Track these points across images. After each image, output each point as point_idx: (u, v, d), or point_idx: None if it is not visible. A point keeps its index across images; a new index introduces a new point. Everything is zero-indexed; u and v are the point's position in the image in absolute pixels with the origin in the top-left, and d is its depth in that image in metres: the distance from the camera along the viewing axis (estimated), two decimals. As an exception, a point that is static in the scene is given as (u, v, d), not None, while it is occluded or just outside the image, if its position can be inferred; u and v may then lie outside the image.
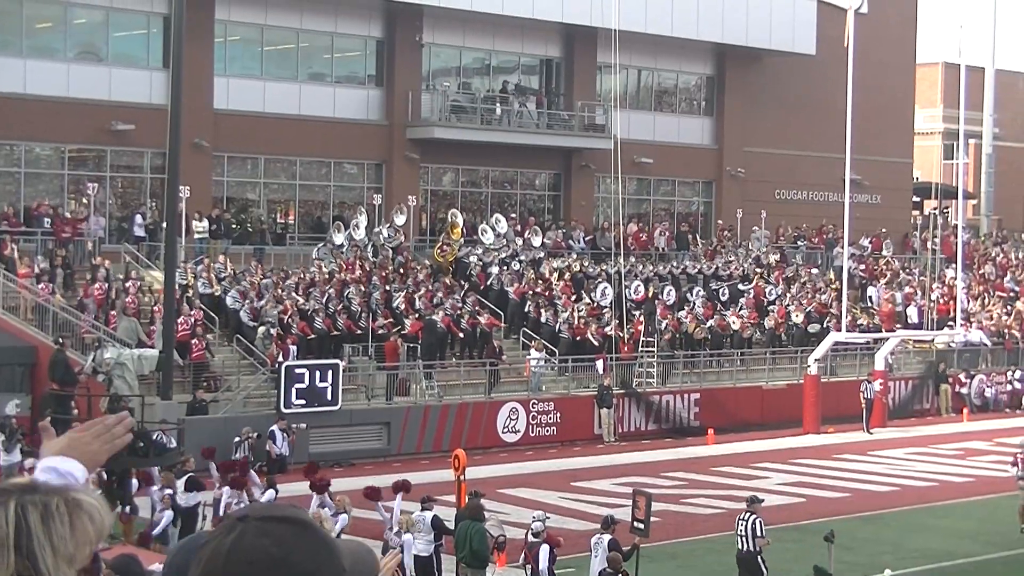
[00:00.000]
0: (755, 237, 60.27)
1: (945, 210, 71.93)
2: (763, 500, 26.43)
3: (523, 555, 23.93)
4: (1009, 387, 54.75)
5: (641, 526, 24.04)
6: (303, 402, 39.11)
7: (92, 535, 2.77)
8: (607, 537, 23.33)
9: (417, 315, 44.55)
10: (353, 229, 48.57)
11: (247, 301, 42.32)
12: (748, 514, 24.64)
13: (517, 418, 43.51)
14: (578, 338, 46.99)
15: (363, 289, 44.99)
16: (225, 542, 2.69)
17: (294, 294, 43.47)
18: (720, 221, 61.37)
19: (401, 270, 47.74)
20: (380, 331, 43.37)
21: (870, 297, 58.65)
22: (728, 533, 30.54)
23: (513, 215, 54.89)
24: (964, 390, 53.94)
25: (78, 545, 2.74)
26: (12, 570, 2.67)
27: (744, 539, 24.36)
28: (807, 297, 55.19)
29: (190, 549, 3.25)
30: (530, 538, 23.82)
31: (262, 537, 2.68)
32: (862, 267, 60.07)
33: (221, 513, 26.74)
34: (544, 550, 23.27)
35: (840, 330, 50.04)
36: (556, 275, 50.51)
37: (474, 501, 24.76)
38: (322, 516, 23.38)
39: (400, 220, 49.94)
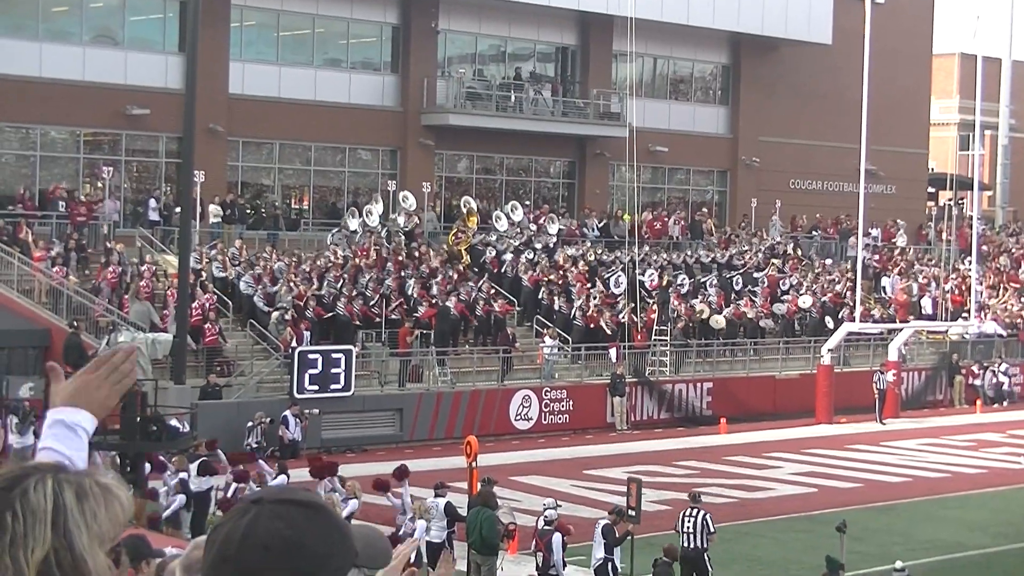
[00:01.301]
0: (773, 226, 60.25)
1: (960, 201, 71.75)
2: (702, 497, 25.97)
3: (534, 542, 23.97)
4: (993, 379, 54.19)
5: (632, 513, 24.04)
6: (316, 387, 39.16)
7: (121, 517, 2.78)
8: (603, 522, 23.40)
9: (431, 301, 44.57)
10: (366, 216, 48.55)
11: (261, 286, 42.37)
12: (695, 510, 24.09)
13: (530, 406, 43.52)
14: (591, 326, 46.97)
15: (377, 275, 45.00)
16: (239, 525, 2.70)
17: (307, 278, 43.46)
18: (711, 213, 61.29)
19: (416, 253, 47.73)
20: (392, 316, 43.42)
21: (884, 288, 58.59)
22: (739, 523, 30.66)
23: (527, 202, 54.90)
24: (977, 381, 53.83)
25: (110, 525, 2.74)
26: (48, 547, 2.66)
27: (692, 536, 23.76)
28: (821, 287, 55.14)
29: None
30: (543, 525, 23.84)
31: (276, 520, 2.69)
32: (876, 257, 60.01)
33: (230, 495, 26.81)
34: (556, 539, 23.30)
35: (854, 320, 49.99)
36: (570, 263, 50.49)
37: (486, 488, 24.78)
38: (334, 500, 23.42)
39: (408, 204, 49.74)
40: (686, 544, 23.82)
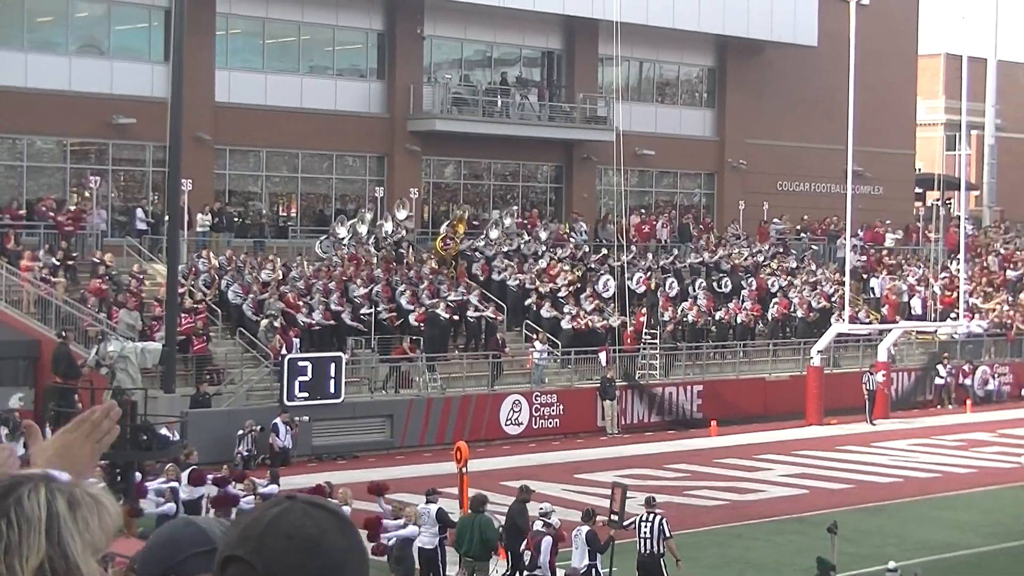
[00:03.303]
0: (775, 228, 60.30)
1: (948, 201, 71.86)
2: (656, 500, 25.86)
3: (524, 541, 23.92)
4: (939, 381, 53.47)
5: (616, 518, 23.98)
6: (306, 395, 39.13)
7: (111, 526, 2.79)
8: (585, 529, 23.32)
9: (422, 308, 44.53)
10: (358, 223, 48.50)
11: (249, 295, 42.33)
12: (651, 514, 23.95)
13: (520, 410, 43.52)
14: (581, 330, 46.95)
15: (366, 282, 44.94)
16: (268, 513, 2.82)
17: (295, 286, 43.45)
18: (707, 219, 61.36)
19: (406, 261, 47.69)
20: (384, 323, 43.43)
21: (872, 289, 58.65)
22: (732, 524, 30.71)
23: (515, 207, 54.89)
24: (967, 381, 53.85)
25: (101, 534, 2.75)
26: (43, 554, 2.66)
27: (649, 541, 23.59)
28: (810, 288, 55.15)
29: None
30: (540, 526, 23.81)
31: (305, 518, 2.80)
32: (864, 258, 60.05)
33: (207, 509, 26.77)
34: (547, 541, 23.29)
35: (843, 321, 50.05)
36: (558, 267, 50.47)
37: (480, 495, 24.74)
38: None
39: (402, 215, 49.79)
40: (643, 550, 23.69)
